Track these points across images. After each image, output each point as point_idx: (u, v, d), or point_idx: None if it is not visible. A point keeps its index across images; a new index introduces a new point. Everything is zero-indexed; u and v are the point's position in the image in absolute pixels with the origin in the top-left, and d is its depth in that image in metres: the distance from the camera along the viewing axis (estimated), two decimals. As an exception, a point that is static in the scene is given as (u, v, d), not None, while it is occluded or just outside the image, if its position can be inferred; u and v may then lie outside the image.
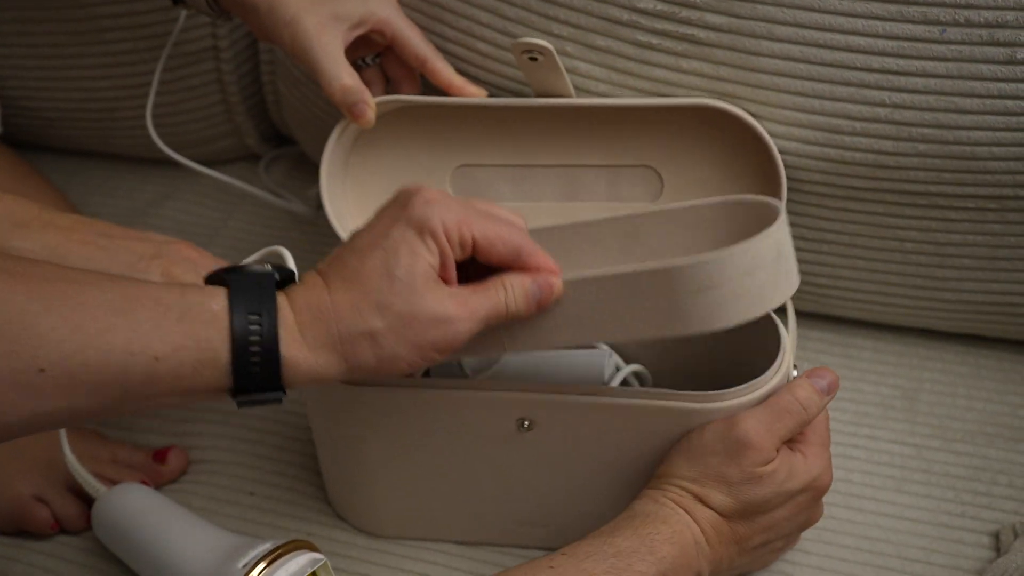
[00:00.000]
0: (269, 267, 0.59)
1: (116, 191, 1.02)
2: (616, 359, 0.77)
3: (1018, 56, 0.68)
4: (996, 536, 0.74)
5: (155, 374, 0.54)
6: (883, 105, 0.71)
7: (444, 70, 0.75)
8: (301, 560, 0.67)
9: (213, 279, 0.58)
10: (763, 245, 0.59)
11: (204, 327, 0.55)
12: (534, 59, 0.71)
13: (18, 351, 0.52)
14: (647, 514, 0.64)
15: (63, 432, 0.74)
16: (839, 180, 0.75)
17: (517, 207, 0.78)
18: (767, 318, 0.70)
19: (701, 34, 0.72)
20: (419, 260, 0.57)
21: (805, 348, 0.85)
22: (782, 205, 0.62)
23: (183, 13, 0.87)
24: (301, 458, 0.81)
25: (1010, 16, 0.67)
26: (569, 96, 0.74)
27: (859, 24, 0.69)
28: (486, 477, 0.71)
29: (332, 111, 0.84)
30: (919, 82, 0.70)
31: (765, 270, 0.59)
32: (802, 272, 0.81)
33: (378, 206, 0.78)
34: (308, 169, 1.00)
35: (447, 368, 0.76)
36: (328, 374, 0.58)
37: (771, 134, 0.74)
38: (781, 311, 0.72)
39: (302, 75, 0.90)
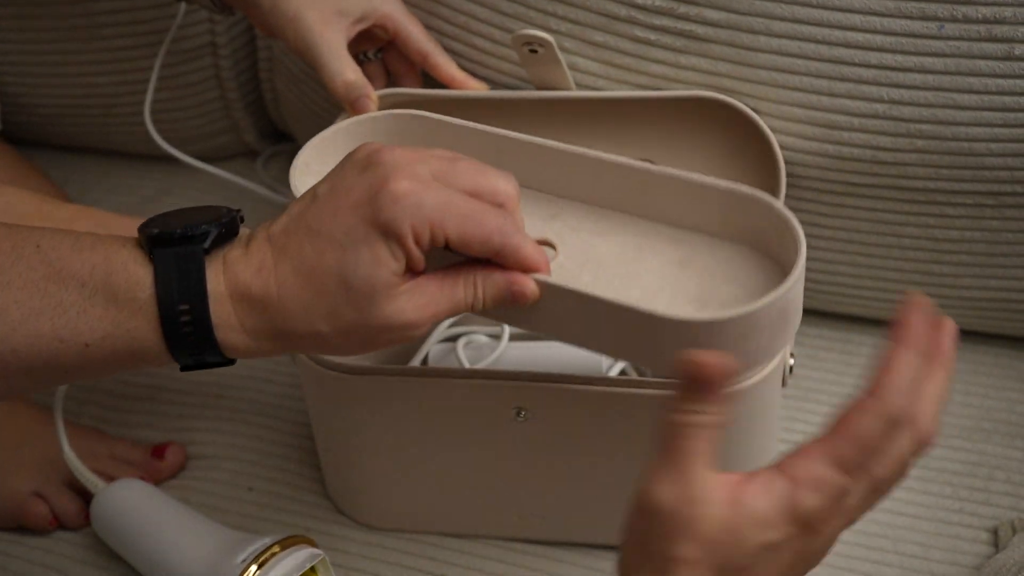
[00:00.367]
0: (203, 229, 0.53)
1: (115, 187, 1.02)
2: None
3: (1016, 52, 0.68)
4: (994, 532, 0.74)
5: (89, 358, 0.53)
6: (881, 101, 0.71)
7: (446, 65, 0.75)
8: (300, 555, 0.67)
9: (142, 240, 0.54)
10: (766, 311, 0.52)
11: (131, 317, 0.52)
12: (534, 51, 0.71)
13: None
14: None
15: (62, 429, 0.74)
16: (837, 176, 0.75)
17: None
18: None
19: (699, 30, 0.72)
20: (381, 269, 0.52)
21: (803, 344, 0.85)
22: (801, 254, 0.55)
23: (182, 9, 0.87)
24: (299, 453, 0.81)
25: (1008, 12, 0.67)
26: (569, 89, 0.74)
27: (857, 20, 0.69)
28: (483, 468, 0.71)
29: (330, 107, 0.84)
30: (917, 78, 0.70)
31: (763, 333, 0.53)
32: (799, 268, 0.82)
33: None
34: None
35: (445, 357, 0.76)
36: (266, 354, 0.55)
37: (769, 129, 0.74)
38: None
39: (300, 72, 0.90)
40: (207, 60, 0.95)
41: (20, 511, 0.77)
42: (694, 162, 0.75)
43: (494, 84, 0.77)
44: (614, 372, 0.75)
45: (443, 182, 0.54)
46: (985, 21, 0.68)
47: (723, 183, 0.60)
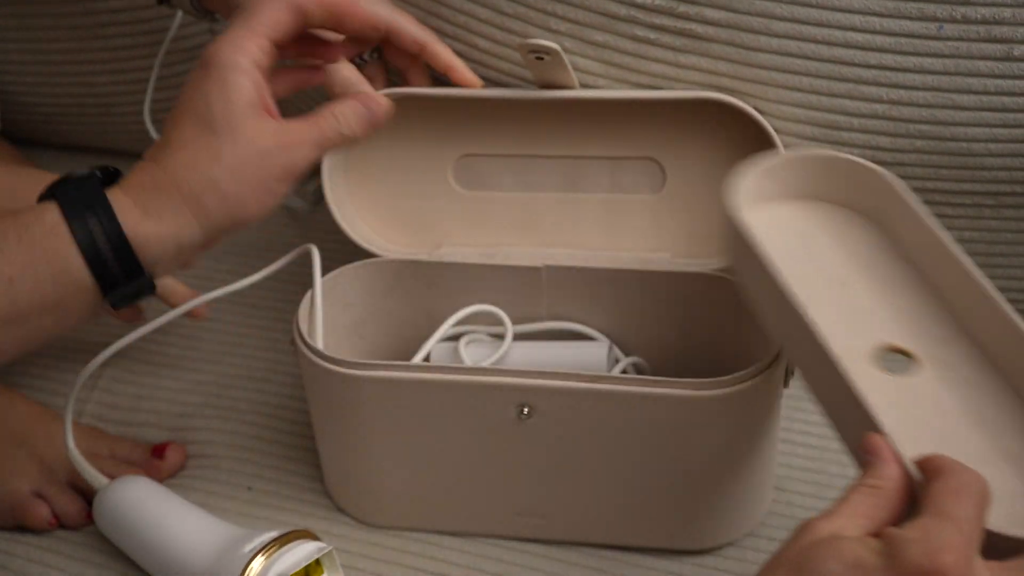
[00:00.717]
0: (90, 170, 0.60)
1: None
2: (616, 351, 0.77)
3: (1015, 52, 0.68)
4: None
5: (16, 296, 0.55)
6: (880, 101, 0.71)
7: (443, 53, 0.74)
8: (306, 548, 0.67)
9: (40, 199, 0.59)
10: None
11: (45, 238, 0.56)
12: (540, 59, 0.71)
13: None
14: None
15: (68, 425, 0.74)
16: (836, 176, 0.75)
17: (519, 197, 0.79)
18: None
19: (699, 29, 0.72)
20: (232, 96, 0.59)
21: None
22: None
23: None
24: (299, 452, 0.81)
25: (1007, 13, 0.67)
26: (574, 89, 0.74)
27: (857, 20, 0.70)
28: (485, 466, 0.71)
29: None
30: (916, 78, 0.70)
31: None
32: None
33: (379, 196, 0.79)
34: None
35: (448, 359, 0.76)
36: (185, 238, 0.59)
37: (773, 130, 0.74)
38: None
39: (300, 71, 0.90)
40: (207, 60, 0.95)
41: (21, 511, 0.77)
42: (697, 161, 0.76)
43: (494, 85, 0.78)
44: (617, 371, 0.76)
45: None
46: (984, 22, 0.68)
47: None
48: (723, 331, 0.76)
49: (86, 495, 0.77)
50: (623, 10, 0.73)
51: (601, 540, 0.74)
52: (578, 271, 0.76)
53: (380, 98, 0.66)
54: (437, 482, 0.73)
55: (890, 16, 0.69)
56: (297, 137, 0.62)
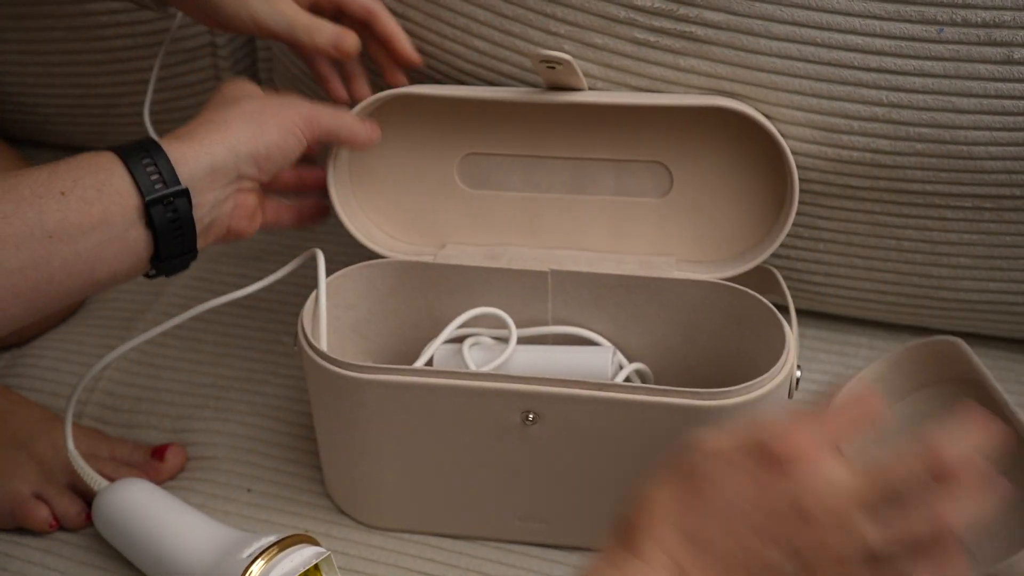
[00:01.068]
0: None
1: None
2: (620, 357, 0.77)
3: (1015, 56, 0.68)
4: None
5: (67, 210, 0.59)
6: (881, 104, 0.71)
7: (390, 23, 0.75)
8: (305, 553, 0.67)
9: None
10: None
11: (92, 157, 0.61)
12: (552, 67, 0.71)
13: None
14: None
15: (68, 427, 0.74)
16: (836, 179, 0.75)
17: (525, 197, 0.79)
18: (772, 318, 0.71)
19: (699, 32, 0.72)
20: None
21: (802, 346, 0.86)
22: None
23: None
24: (299, 453, 0.81)
25: (1007, 16, 0.67)
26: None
27: (857, 23, 0.69)
28: (488, 470, 0.71)
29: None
30: (917, 81, 0.70)
31: None
32: (798, 270, 0.82)
33: (383, 194, 0.79)
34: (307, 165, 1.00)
35: (452, 361, 0.76)
36: (218, 157, 0.64)
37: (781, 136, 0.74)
38: (784, 310, 0.73)
39: (300, 72, 0.90)
40: (206, 61, 0.95)
41: (20, 512, 0.77)
42: (705, 165, 0.76)
43: (497, 85, 0.77)
44: (621, 378, 0.76)
45: None
46: (984, 25, 0.68)
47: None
48: (727, 339, 0.76)
49: (86, 497, 0.77)
50: (622, 12, 0.73)
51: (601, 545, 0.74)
52: (584, 276, 0.76)
53: (376, 128, 0.74)
54: (439, 485, 0.73)
55: (890, 19, 0.69)
56: (317, 104, 0.70)
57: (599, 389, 0.66)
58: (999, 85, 0.69)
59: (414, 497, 0.74)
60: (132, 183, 0.61)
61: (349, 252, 0.81)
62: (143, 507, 0.73)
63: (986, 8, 0.67)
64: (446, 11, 0.77)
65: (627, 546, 0.49)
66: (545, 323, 0.78)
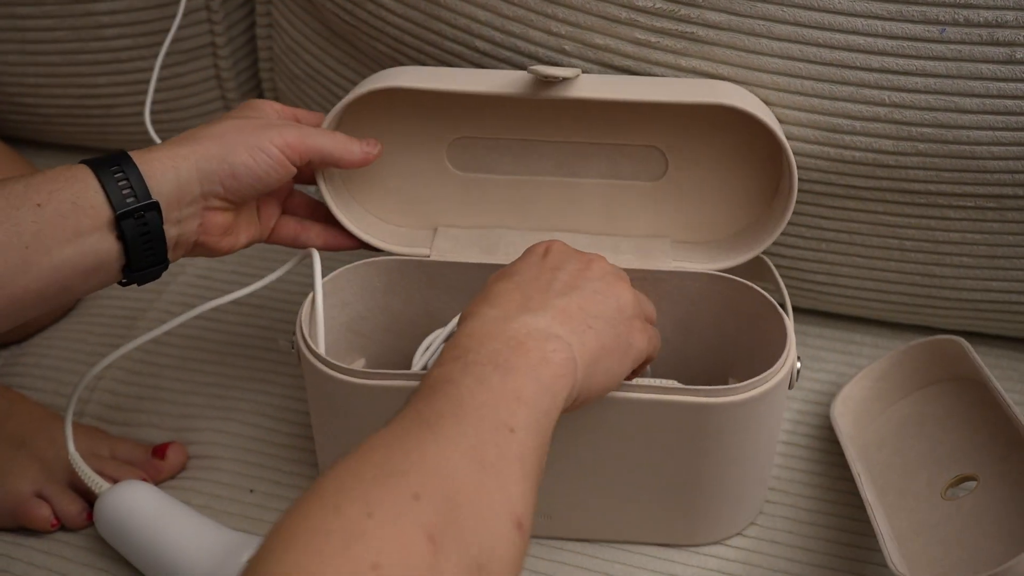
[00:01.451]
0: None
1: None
2: None
3: (1017, 56, 0.68)
4: None
5: (43, 222, 0.60)
6: (883, 104, 0.71)
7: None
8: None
9: None
10: None
11: (67, 170, 0.63)
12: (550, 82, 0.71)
13: None
14: None
15: (68, 428, 0.74)
16: (838, 179, 0.75)
17: (517, 180, 0.78)
18: (771, 309, 0.71)
19: (700, 32, 0.72)
20: (255, 103, 0.72)
21: (805, 344, 0.86)
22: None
23: (181, 8, 0.86)
24: (300, 453, 0.81)
25: (1010, 16, 0.67)
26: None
27: (859, 23, 0.69)
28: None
29: (331, 107, 0.84)
30: (919, 81, 0.70)
31: None
32: (801, 270, 0.82)
33: (373, 179, 0.79)
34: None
35: None
36: (182, 171, 0.65)
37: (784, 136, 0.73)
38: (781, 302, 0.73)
39: (301, 72, 0.90)
40: (207, 61, 0.95)
41: (22, 512, 0.77)
42: (701, 151, 0.75)
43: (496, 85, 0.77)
44: None
45: None
46: (987, 25, 0.68)
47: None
48: (724, 331, 0.76)
49: (87, 496, 0.77)
50: (623, 13, 0.72)
51: (604, 537, 0.74)
52: None
53: (376, 142, 0.73)
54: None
55: (892, 19, 0.69)
56: (304, 127, 0.70)
57: None
58: (1001, 85, 0.69)
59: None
60: (104, 196, 0.62)
61: (347, 252, 0.81)
62: (144, 510, 0.73)
63: (988, 8, 0.67)
64: (446, 11, 0.77)
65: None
66: None
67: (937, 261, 0.78)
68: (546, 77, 0.69)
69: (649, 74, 0.74)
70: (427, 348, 0.72)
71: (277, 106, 0.73)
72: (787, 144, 0.71)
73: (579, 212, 0.78)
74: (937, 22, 0.68)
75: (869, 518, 0.68)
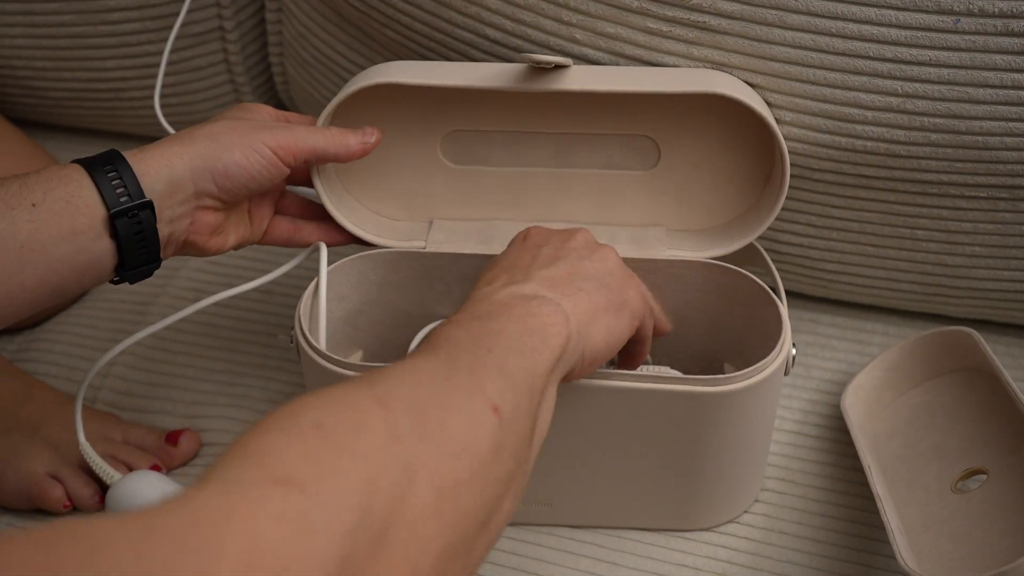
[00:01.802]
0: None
1: (124, 170, 1.02)
2: None
3: (1033, 46, 0.68)
4: None
5: (39, 221, 0.61)
6: (895, 94, 0.70)
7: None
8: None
9: None
10: None
11: (61, 170, 0.63)
12: (542, 69, 0.70)
13: None
14: None
15: (78, 419, 0.75)
16: (850, 168, 0.75)
17: (511, 172, 0.78)
18: (766, 297, 0.71)
19: (712, 21, 0.71)
20: (251, 106, 0.72)
21: (815, 333, 0.86)
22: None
23: None
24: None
25: (1025, 6, 0.67)
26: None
27: (872, 13, 0.69)
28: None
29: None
30: (932, 72, 0.69)
31: None
32: (812, 258, 0.82)
33: (368, 173, 0.78)
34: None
35: None
36: (176, 168, 0.65)
37: (781, 122, 0.73)
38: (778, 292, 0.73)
39: (311, 57, 0.89)
40: (215, 45, 0.95)
41: (36, 493, 0.78)
42: (694, 141, 0.75)
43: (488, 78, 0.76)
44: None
45: None
46: (1002, 15, 0.67)
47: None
48: (719, 318, 0.76)
49: (99, 479, 0.78)
50: (635, 2, 0.72)
51: (603, 523, 0.75)
52: None
53: (374, 130, 0.72)
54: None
55: (906, 9, 0.68)
56: (296, 127, 0.69)
57: (602, 378, 0.66)
58: (1016, 76, 0.68)
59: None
60: (98, 195, 0.63)
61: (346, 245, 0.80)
62: (156, 498, 0.73)
63: (1003, -2, 0.67)
64: None
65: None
66: None
67: (949, 251, 0.78)
68: (538, 63, 0.69)
69: (660, 64, 0.73)
70: (423, 339, 0.72)
71: (270, 109, 0.72)
72: (778, 130, 0.70)
73: (573, 202, 0.78)
74: (952, 12, 0.68)
75: (879, 511, 0.68)
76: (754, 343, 0.72)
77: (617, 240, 0.76)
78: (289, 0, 0.91)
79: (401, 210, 0.79)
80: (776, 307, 0.70)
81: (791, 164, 0.74)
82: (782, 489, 0.77)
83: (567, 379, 0.59)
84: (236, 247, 0.73)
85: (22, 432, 0.79)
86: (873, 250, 0.80)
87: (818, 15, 0.69)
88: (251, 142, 0.67)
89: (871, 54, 0.70)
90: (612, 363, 0.71)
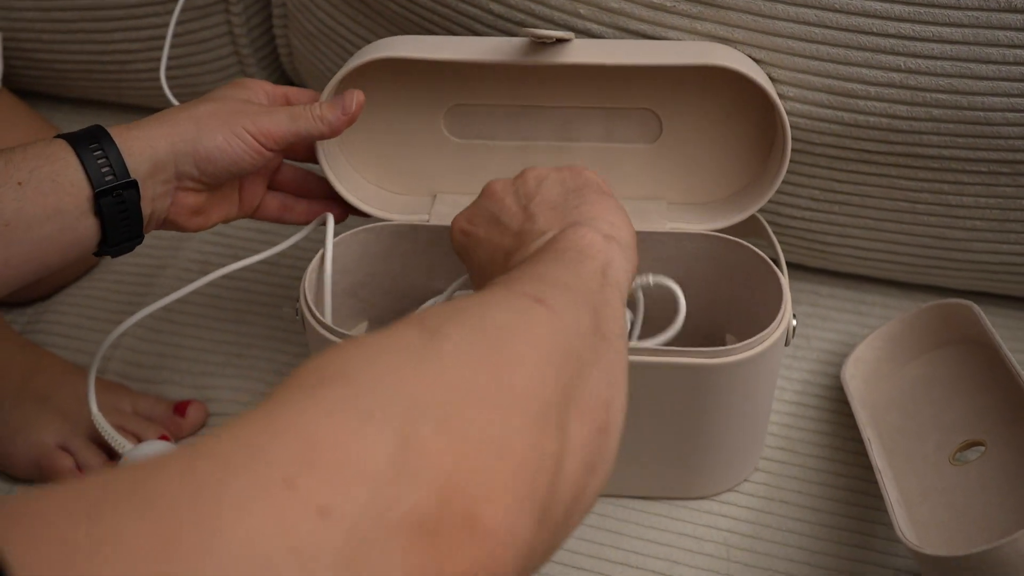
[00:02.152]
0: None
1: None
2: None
3: (1035, 22, 0.67)
4: None
5: (24, 200, 0.61)
6: (898, 70, 0.70)
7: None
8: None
9: None
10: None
11: (47, 146, 0.63)
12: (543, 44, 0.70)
13: None
14: None
15: (91, 389, 0.75)
16: (852, 143, 0.75)
17: (513, 145, 0.78)
18: (766, 268, 0.71)
19: (716, -4, 0.71)
20: (242, 84, 0.71)
21: (816, 304, 0.86)
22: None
23: None
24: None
25: (1028, -18, 0.66)
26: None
27: (875, -12, 0.69)
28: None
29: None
30: (935, 48, 0.69)
31: None
32: (813, 231, 0.82)
33: (371, 148, 0.78)
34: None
35: None
36: (159, 149, 0.65)
37: (785, 97, 0.73)
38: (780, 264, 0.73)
39: (315, 29, 0.89)
40: (219, 17, 0.95)
41: (46, 463, 0.78)
42: (695, 113, 0.75)
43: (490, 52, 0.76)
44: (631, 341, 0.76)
45: None
46: (1005, -9, 0.67)
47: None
48: (720, 289, 0.76)
49: (109, 450, 0.78)
50: (639, -23, 0.72)
51: (606, 492, 0.75)
52: None
53: (354, 95, 0.70)
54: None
55: (909, -15, 0.68)
56: (278, 111, 0.69)
57: None
58: (1018, 52, 0.68)
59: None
60: (84, 174, 0.63)
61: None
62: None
63: (1006, -26, 0.67)
64: (462, -25, 0.76)
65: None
66: None
67: (949, 224, 0.78)
68: (540, 38, 0.69)
69: (664, 38, 0.73)
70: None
71: (268, 86, 0.72)
72: (780, 103, 0.70)
73: None
74: (954, -12, 0.67)
75: (878, 482, 0.69)
76: (755, 314, 0.72)
77: None
78: (294, -28, 0.90)
79: (405, 184, 0.79)
80: (777, 279, 0.70)
81: (793, 138, 0.74)
82: (782, 459, 0.77)
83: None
84: (221, 222, 0.73)
85: (32, 403, 0.80)
86: (874, 223, 0.80)
87: (822, -10, 0.69)
88: (232, 128, 0.67)
89: (874, 29, 0.69)
90: None
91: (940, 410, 0.74)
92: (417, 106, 0.77)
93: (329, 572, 0.32)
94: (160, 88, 0.85)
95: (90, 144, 0.63)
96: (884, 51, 0.70)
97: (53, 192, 0.62)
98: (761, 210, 0.76)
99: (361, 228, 0.76)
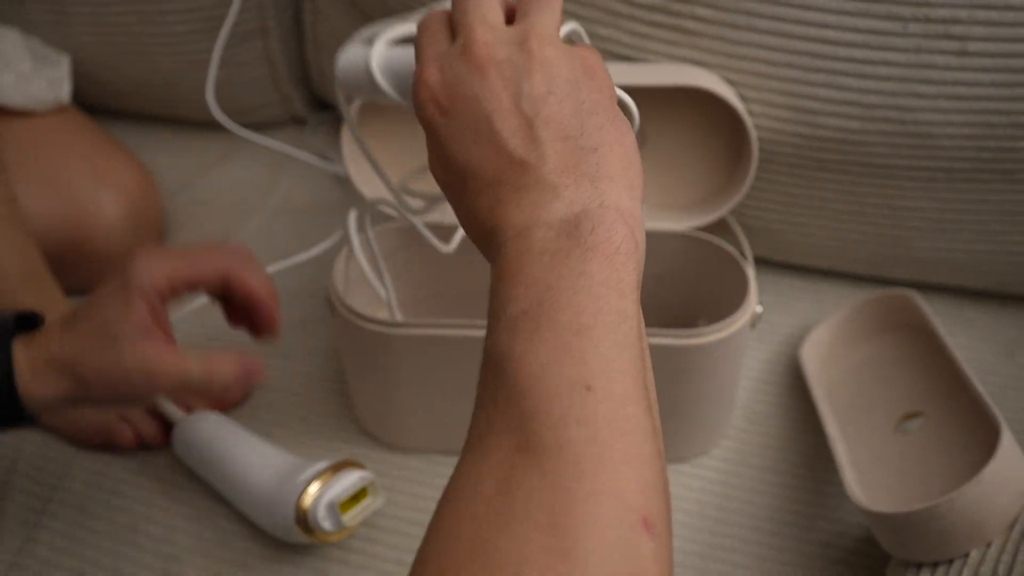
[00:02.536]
0: (10, 316, 0.62)
1: (182, 152, 1.01)
2: None
3: (969, 48, 0.68)
4: None
5: None
6: (851, 90, 0.71)
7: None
8: (353, 476, 0.68)
9: None
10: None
11: None
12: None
13: None
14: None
15: None
16: (810, 153, 0.75)
17: None
18: (734, 262, 0.72)
19: (691, 25, 0.71)
20: (131, 315, 0.60)
21: (777, 293, 0.86)
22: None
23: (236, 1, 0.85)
24: (337, 384, 0.82)
25: (963, 13, 0.67)
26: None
27: (831, 19, 0.69)
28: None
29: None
30: (882, 70, 0.70)
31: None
32: (776, 230, 0.83)
33: (390, 149, 0.78)
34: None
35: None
36: (63, 401, 0.61)
37: (751, 113, 0.74)
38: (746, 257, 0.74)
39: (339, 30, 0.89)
40: (258, 43, 0.95)
41: (109, 431, 0.79)
42: (678, 132, 0.75)
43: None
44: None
45: None
46: (943, 21, 0.67)
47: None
48: (694, 281, 0.77)
49: (163, 420, 0.79)
50: (625, 8, 0.72)
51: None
52: None
53: (259, 367, 0.63)
54: (458, 412, 0.74)
55: (861, 16, 0.68)
56: (170, 360, 0.61)
57: None
58: (955, 74, 0.69)
59: (436, 423, 0.75)
60: None
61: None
62: (216, 436, 0.74)
63: (944, 6, 0.67)
64: None
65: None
66: None
67: (894, 224, 0.78)
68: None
69: (645, 62, 0.73)
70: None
71: (167, 264, 0.62)
72: (748, 119, 0.71)
73: None
74: (900, 19, 0.68)
75: (831, 449, 0.69)
76: (725, 302, 0.73)
77: None
78: (322, 2, 0.90)
79: (421, 184, 0.79)
80: (744, 271, 0.71)
81: (759, 149, 0.74)
82: (748, 428, 0.78)
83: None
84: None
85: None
86: (829, 223, 0.80)
87: (783, 20, 0.69)
88: (131, 382, 0.60)
89: (830, 55, 0.70)
90: None
91: (886, 386, 0.74)
92: None
93: None
94: (205, 105, 0.86)
95: None
96: (839, 73, 0.70)
97: None
98: (730, 212, 0.77)
99: (384, 227, 0.76)
